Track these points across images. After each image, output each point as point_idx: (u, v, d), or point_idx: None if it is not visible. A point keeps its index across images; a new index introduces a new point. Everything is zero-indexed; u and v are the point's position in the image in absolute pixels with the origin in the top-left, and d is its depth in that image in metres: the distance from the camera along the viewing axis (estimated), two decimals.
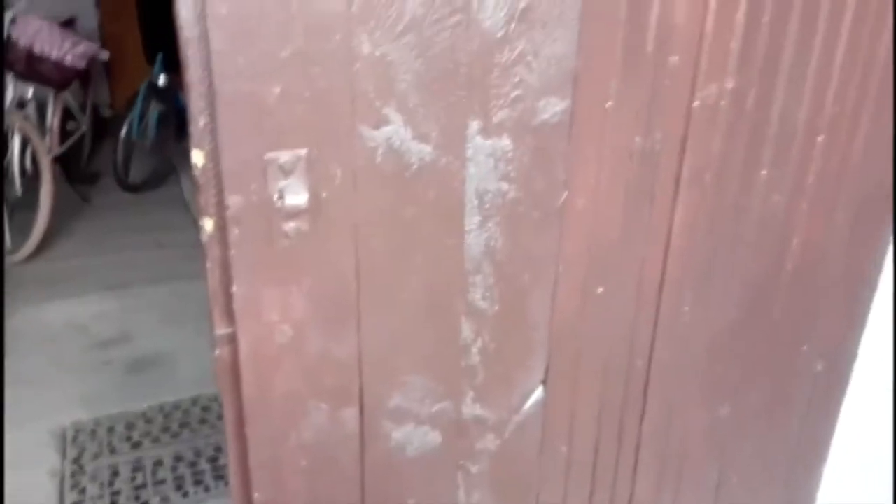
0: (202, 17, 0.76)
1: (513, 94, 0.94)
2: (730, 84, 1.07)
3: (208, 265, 0.87)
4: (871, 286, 1.47)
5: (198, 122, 0.81)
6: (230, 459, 1.00)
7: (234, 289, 0.86)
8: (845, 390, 1.57)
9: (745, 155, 1.15)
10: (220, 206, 0.84)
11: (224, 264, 0.87)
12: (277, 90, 0.80)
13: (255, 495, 0.98)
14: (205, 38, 0.77)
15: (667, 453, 1.38)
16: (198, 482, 2.11)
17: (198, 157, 0.82)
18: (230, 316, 0.89)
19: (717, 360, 1.34)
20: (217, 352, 0.91)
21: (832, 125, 1.21)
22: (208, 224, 0.86)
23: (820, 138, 1.21)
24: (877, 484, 1.55)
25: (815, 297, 1.40)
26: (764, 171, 1.18)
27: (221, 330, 0.90)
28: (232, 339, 0.90)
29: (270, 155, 0.82)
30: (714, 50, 1.03)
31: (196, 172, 0.83)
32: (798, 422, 1.55)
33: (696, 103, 1.06)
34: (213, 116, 0.80)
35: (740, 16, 1.03)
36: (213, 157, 0.82)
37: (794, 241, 1.30)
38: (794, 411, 1.53)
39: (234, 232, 0.84)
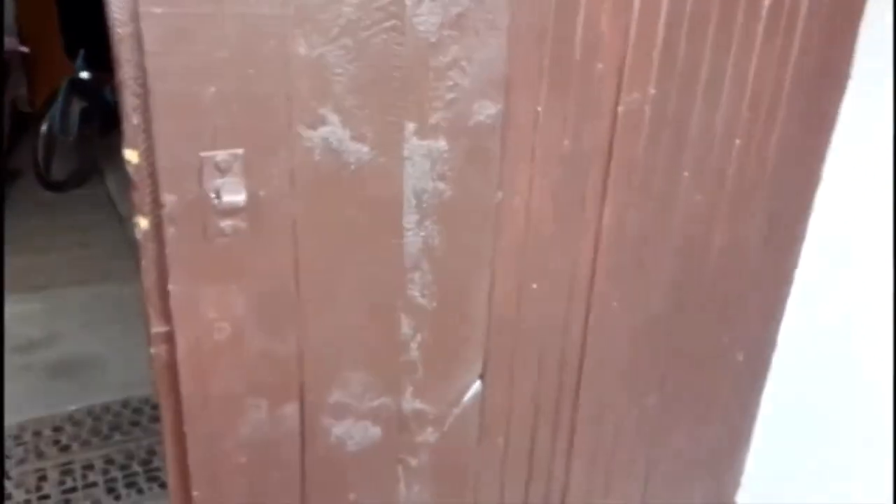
0: (135, 16, 0.75)
1: (447, 97, 0.96)
2: (652, 90, 1.12)
3: (143, 263, 0.86)
4: (788, 279, 1.57)
5: (131, 120, 0.80)
6: (168, 458, 0.99)
7: (171, 287, 0.86)
8: (765, 379, 1.67)
9: (667, 158, 1.21)
10: (156, 205, 0.84)
11: (160, 262, 0.86)
12: (213, 90, 0.81)
13: (195, 493, 0.98)
14: (138, 37, 0.76)
15: (599, 442, 1.44)
16: (130, 485, 2.07)
17: (131, 155, 0.81)
18: (166, 314, 0.88)
19: (645, 351, 1.40)
20: (153, 350, 0.91)
21: (748, 130, 1.28)
22: (143, 222, 0.85)
23: (737, 142, 1.29)
24: (798, 469, 1.65)
25: (735, 290, 1.48)
26: (686, 173, 1.25)
27: (158, 328, 0.90)
28: (169, 338, 0.90)
29: (206, 154, 0.82)
30: (637, 58, 1.08)
31: (130, 171, 0.83)
32: (721, 409, 1.64)
33: (621, 108, 1.11)
34: (146, 115, 0.80)
35: (661, 26, 1.08)
36: (148, 155, 0.82)
37: (715, 238, 1.37)
38: (718, 400, 1.61)
39: (169, 230, 0.84)
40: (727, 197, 1.34)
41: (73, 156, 4.20)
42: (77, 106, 4.10)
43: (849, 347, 1.50)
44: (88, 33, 4.18)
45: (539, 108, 1.05)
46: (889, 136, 1.34)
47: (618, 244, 1.23)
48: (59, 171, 4.17)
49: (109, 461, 2.15)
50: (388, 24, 0.88)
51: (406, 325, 1.08)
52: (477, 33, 0.95)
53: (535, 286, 1.19)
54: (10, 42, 3.57)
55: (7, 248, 3.42)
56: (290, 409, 1.01)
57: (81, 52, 4.10)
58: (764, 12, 1.19)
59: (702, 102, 1.20)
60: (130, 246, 3.46)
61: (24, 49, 3.75)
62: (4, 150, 4.24)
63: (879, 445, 1.47)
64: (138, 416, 2.34)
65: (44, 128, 4.02)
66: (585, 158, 1.13)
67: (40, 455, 2.16)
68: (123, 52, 0.78)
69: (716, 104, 1.23)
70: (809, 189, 1.48)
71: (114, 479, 2.08)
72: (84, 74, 4.06)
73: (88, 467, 2.12)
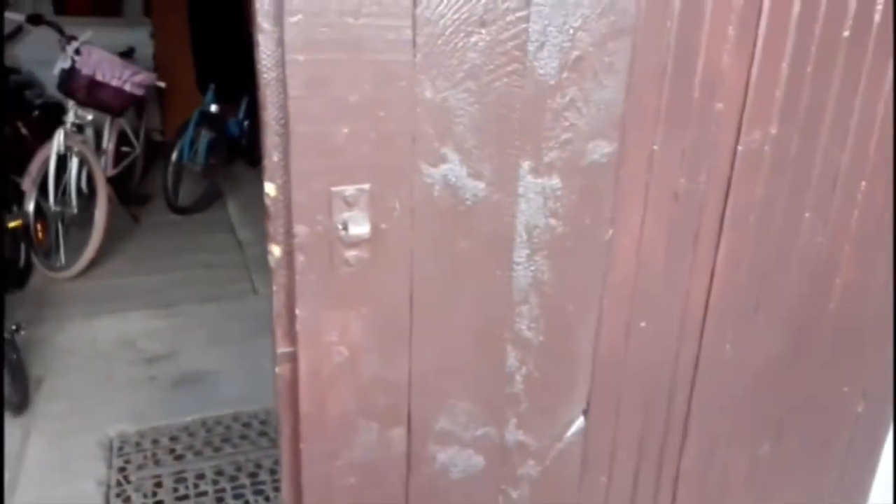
0: (281, 62, 0.83)
1: (563, 137, 0.99)
2: (773, 130, 1.10)
3: (275, 288, 0.93)
4: None
5: (272, 157, 0.88)
6: (284, 473, 1.05)
7: (298, 311, 0.92)
8: (887, 431, 1.57)
9: (788, 198, 1.18)
10: (288, 235, 0.91)
11: (289, 288, 0.93)
12: (346, 130, 0.87)
13: None
14: (282, 82, 0.83)
15: (706, 489, 1.39)
16: (238, 496, 2.17)
17: (270, 188, 0.89)
18: (292, 336, 0.95)
19: (759, 397, 1.36)
20: (278, 369, 0.97)
21: (874, 171, 1.23)
22: (276, 251, 0.92)
23: (863, 184, 1.24)
24: None
25: (856, 337, 1.41)
26: (807, 214, 1.21)
27: (283, 349, 0.96)
28: (293, 358, 0.96)
29: (336, 189, 0.88)
30: (759, 97, 1.07)
31: (268, 203, 0.90)
32: (839, 462, 1.55)
33: (741, 148, 1.10)
34: (285, 153, 0.87)
35: (784, 65, 1.07)
36: (284, 189, 0.89)
37: (836, 282, 1.32)
38: (835, 452, 1.53)
39: (299, 259, 0.90)
40: (851, 240, 1.28)
41: (198, 183, 4.52)
42: (205, 137, 4.42)
43: None
44: (218, 70, 4.53)
45: (655, 147, 1.06)
46: None
47: (732, 285, 1.21)
48: (185, 197, 4.49)
49: (219, 472, 2.26)
50: (510, 67, 0.92)
51: (512, 358, 1.10)
52: (595, 75, 0.97)
53: (643, 324, 1.18)
54: (149, 77, 3.91)
55: (136, 267, 3.71)
56: (398, 434, 1.04)
57: (211, 86, 4.43)
58: (894, 51, 1.15)
59: (826, 142, 1.17)
60: (247, 268, 3.67)
61: (162, 84, 4.09)
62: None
63: None
64: (247, 429, 2.45)
65: (174, 156, 4.35)
66: (701, 197, 1.12)
67: (157, 462, 2.30)
68: (269, 96, 0.86)
69: (841, 145, 1.19)
70: None
71: (222, 490, 2.19)
72: (213, 108, 4.38)
73: (200, 476, 2.24)
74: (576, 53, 0.95)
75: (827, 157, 1.17)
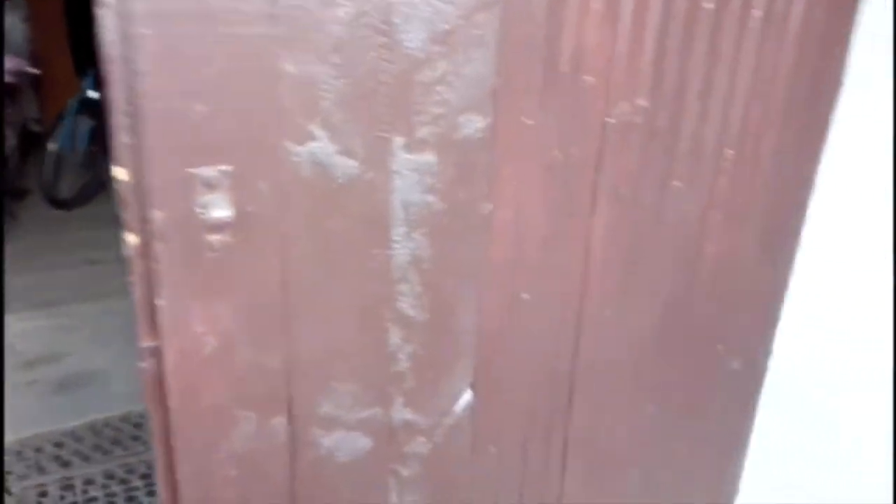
0: (126, 37, 0.77)
1: (435, 112, 0.98)
2: (642, 102, 1.13)
3: (132, 280, 0.88)
4: (783, 287, 1.57)
5: (121, 139, 0.82)
6: (158, 472, 1.00)
7: (158, 302, 0.87)
8: (761, 386, 1.67)
9: (658, 169, 1.22)
10: (145, 221, 0.85)
11: (149, 278, 0.88)
12: (201, 108, 0.82)
13: None
14: (128, 57, 0.78)
15: (594, 452, 1.44)
16: (130, 499, 2.07)
17: (121, 173, 0.83)
18: (155, 329, 0.90)
19: (640, 361, 1.41)
20: (142, 364, 0.92)
21: (740, 140, 1.29)
22: (132, 239, 0.87)
23: (729, 152, 1.29)
24: (795, 474, 1.64)
25: (729, 299, 1.48)
26: (677, 183, 1.26)
27: (147, 343, 0.91)
28: (157, 352, 0.91)
29: (194, 171, 0.84)
30: (626, 70, 1.10)
31: (119, 188, 0.84)
32: (718, 418, 1.63)
33: (611, 120, 1.12)
34: (136, 133, 0.82)
35: (649, 38, 1.10)
36: (137, 173, 0.83)
37: (708, 248, 1.38)
38: (715, 408, 1.61)
39: (158, 246, 0.86)
40: (720, 207, 1.34)
41: (80, 174, 4.25)
42: (85, 125, 4.15)
43: (846, 353, 1.50)
44: (97, 54, 4.24)
45: (528, 121, 1.07)
46: (885, 143, 1.35)
47: (610, 255, 1.24)
48: (66, 189, 4.22)
49: (110, 476, 2.16)
50: (376, 41, 0.90)
51: (395, 337, 1.09)
52: (464, 49, 0.97)
53: (525, 297, 1.20)
54: (20, 63, 3.63)
55: (14, 266, 3.46)
56: (279, 422, 1.01)
57: (90, 72, 4.16)
58: (754, 23, 1.20)
59: (693, 113, 1.21)
60: None
61: (35, 71, 3.80)
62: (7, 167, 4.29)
63: (877, 450, 1.46)
64: (139, 430, 2.35)
65: (52, 146, 4.07)
66: (574, 169, 1.14)
67: (41, 470, 2.17)
68: (114, 72, 0.80)
69: (707, 115, 1.24)
70: (804, 197, 1.48)
71: (113, 494, 2.09)
72: (92, 94, 4.11)
73: (89, 482, 2.13)
74: (444, 26, 0.94)
75: (694, 127, 1.21)
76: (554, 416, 1.33)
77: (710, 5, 1.15)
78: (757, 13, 1.19)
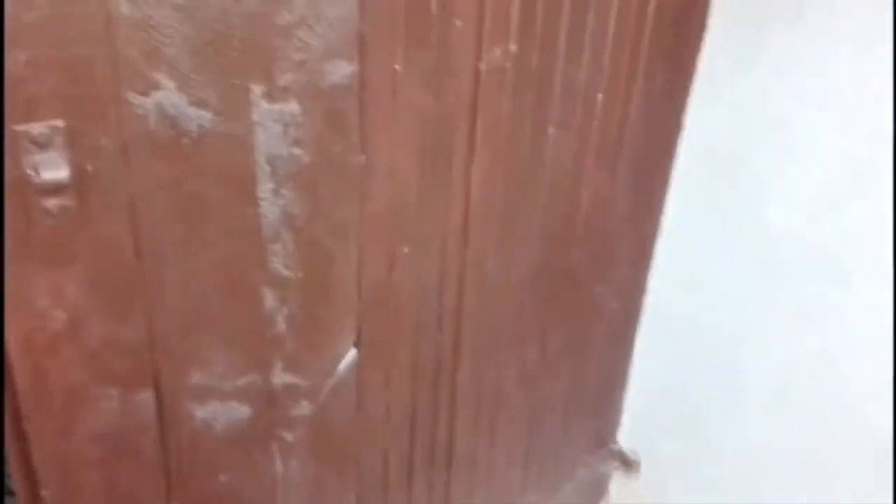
0: None
1: (297, 58, 0.91)
2: (513, 47, 1.11)
3: None
4: (655, 227, 1.63)
5: None
6: (11, 461, 0.91)
7: None
8: (637, 323, 1.75)
9: (532, 114, 1.21)
10: None
11: None
12: (23, 57, 0.72)
13: (44, 493, 0.91)
14: None
15: (481, 398, 1.46)
16: None
17: None
18: None
19: (522, 306, 1.43)
20: None
21: (609, 85, 1.30)
22: None
23: (599, 96, 1.30)
24: (672, 407, 1.75)
25: (605, 242, 1.52)
26: (552, 129, 1.26)
27: None
28: None
29: (20, 128, 0.74)
30: (496, 14, 1.06)
31: None
32: (599, 355, 1.70)
33: (483, 66, 1.09)
34: None
35: None
36: None
37: (583, 192, 1.40)
38: (595, 346, 1.67)
39: None
40: (593, 150, 1.36)
41: None
42: None
43: (713, 290, 1.59)
44: None
45: (397, 67, 1.02)
46: (751, 80, 1.39)
47: (488, 202, 1.23)
48: None
49: None
50: None
51: (270, 299, 1.04)
52: None
53: (406, 250, 1.17)
54: None
55: None
56: (145, 396, 0.95)
57: None
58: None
59: (563, 58, 1.21)
60: None
61: None
62: None
63: (742, 378, 1.57)
64: None
65: None
66: (449, 117, 1.11)
67: None
68: None
69: (577, 59, 1.23)
70: (672, 137, 1.53)
71: None
72: None
73: None
74: None
75: (565, 72, 1.21)
76: (440, 367, 1.33)
77: None
78: None
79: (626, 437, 1.88)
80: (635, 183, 1.50)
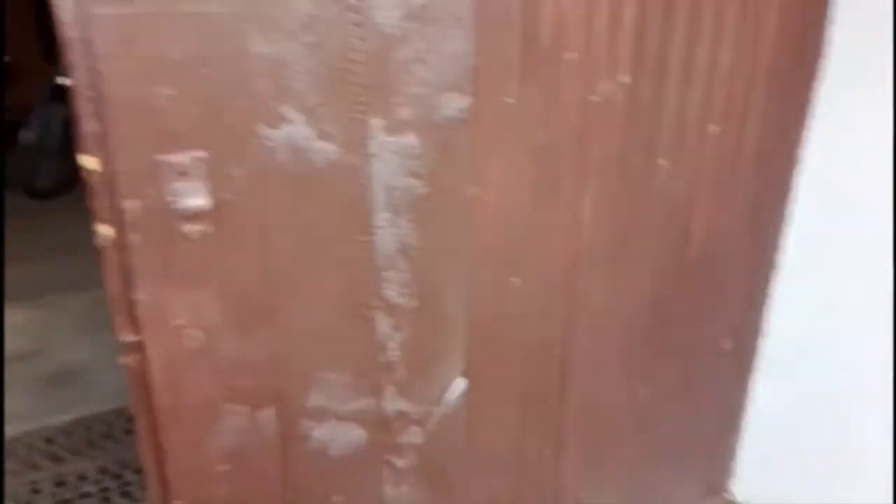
0: (84, 18, 0.74)
1: (413, 92, 0.94)
2: (624, 78, 1.10)
3: (106, 272, 0.85)
4: (772, 265, 1.55)
5: (87, 126, 0.79)
6: (146, 470, 0.98)
7: (137, 295, 0.84)
8: (753, 366, 1.66)
9: (643, 146, 1.19)
10: (117, 211, 0.82)
11: (124, 271, 0.85)
12: (168, 92, 0.79)
13: (175, 503, 0.97)
14: (88, 41, 0.74)
15: (589, 435, 1.42)
16: (124, 494, 2.05)
17: (89, 162, 0.80)
18: (135, 324, 0.87)
19: (632, 342, 1.39)
20: (123, 361, 0.89)
21: (723, 116, 1.27)
22: (105, 230, 0.83)
23: (712, 128, 1.27)
24: (789, 455, 1.64)
25: (718, 278, 1.46)
26: (662, 161, 1.23)
27: (127, 338, 0.88)
28: (139, 347, 0.88)
29: (164, 158, 0.81)
30: (607, 46, 1.06)
31: (88, 177, 0.81)
32: (711, 398, 1.62)
33: (594, 98, 1.09)
34: (102, 120, 0.78)
35: (630, 12, 1.06)
36: (106, 161, 0.80)
37: (695, 225, 1.36)
38: (707, 388, 1.60)
39: (133, 237, 0.82)
40: (706, 184, 1.32)
41: (57, 163, 4.17)
42: (59, 113, 4.06)
43: (836, 331, 1.49)
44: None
45: (510, 100, 1.04)
46: (872, 116, 1.32)
47: (597, 235, 1.22)
48: (43, 180, 4.14)
49: (103, 471, 2.13)
50: (347, 17, 0.87)
51: (384, 325, 1.06)
52: (440, 25, 0.93)
53: (515, 281, 1.17)
54: None
55: None
56: (268, 415, 0.99)
57: (60, 58, 4.07)
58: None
59: (675, 88, 1.18)
60: None
61: (5, 58, 3.73)
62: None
63: (869, 426, 1.45)
64: (131, 424, 2.32)
65: (26, 136, 3.99)
66: (559, 149, 1.11)
67: (34, 467, 2.14)
68: (75, 57, 0.76)
69: (690, 90, 1.21)
70: (790, 172, 1.46)
71: (107, 489, 2.07)
72: (63, 81, 4.03)
73: (82, 478, 2.10)
74: (418, 1, 0.90)
75: (676, 102, 1.19)
76: (548, 400, 1.31)
77: None
78: None
79: (740, 486, 1.78)
80: (751, 217, 1.44)
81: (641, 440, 1.53)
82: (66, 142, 4.11)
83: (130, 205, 0.81)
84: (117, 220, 0.83)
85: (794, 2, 1.23)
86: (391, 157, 0.97)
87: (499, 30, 0.97)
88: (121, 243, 0.84)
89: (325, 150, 0.91)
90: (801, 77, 1.35)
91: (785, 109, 1.36)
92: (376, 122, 0.93)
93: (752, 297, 1.55)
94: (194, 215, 0.84)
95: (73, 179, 4.24)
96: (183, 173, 0.82)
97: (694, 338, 1.48)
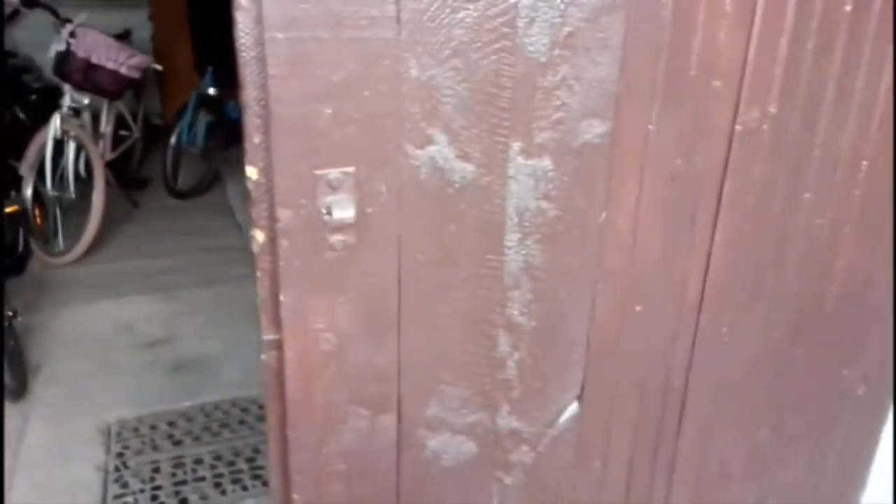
0: (260, 41, 0.80)
1: (554, 117, 0.96)
2: (772, 109, 1.07)
3: (258, 274, 0.91)
4: None
5: (253, 139, 0.85)
6: (271, 461, 1.03)
7: (283, 297, 0.90)
8: (887, 415, 1.55)
9: (787, 179, 1.15)
10: (271, 219, 0.88)
11: (273, 274, 0.91)
12: (329, 111, 0.84)
13: (295, 496, 1.02)
14: (262, 61, 0.81)
15: (702, 475, 1.38)
16: (236, 481, 2.17)
17: (252, 172, 0.86)
18: (277, 323, 0.93)
19: (757, 382, 1.33)
20: (264, 356, 0.95)
21: (876, 151, 1.20)
22: (259, 236, 0.90)
23: (864, 164, 1.21)
24: None
25: (857, 320, 1.38)
26: (807, 195, 1.18)
27: (269, 336, 0.94)
28: (278, 345, 0.94)
29: (320, 172, 0.86)
30: (757, 75, 1.04)
31: (249, 186, 0.87)
32: (838, 446, 1.53)
33: (739, 127, 1.07)
34: (267, 135, 0.84)
35: (784, 42, 1.04)
36: (266, 172, 0.86)
37: (836, 264, 1.29)
38: (835, 435, 1.51)
39: (283, 244, 0.88)
40: (852, 222, 1.26)
41: (198, 166, 4.50)
42: (203, 120, 4.38)
43: None
44: (217, 53, 4.49)
45: (651, 127, 1.03)
46: None
47: (730, 268, 1.18)
48: (184, 181, 4.47)
49: (217, 457, 2.26)
50: (498, 45, 0.89)
51: (504, 343, 1.08)
52: (588, 52, 0.94)
53: (638, 308, 1.16)
54: (146, 60, 3.88)
55: (134, 252, 3.69)
56: (388, 420, 1.03)
57: (209, 69, 4.39)
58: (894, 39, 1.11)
59: (827, 121, 1.14)
60: (247, 251, 3.65)
61: (158, 66, 4.06)
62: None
63: None
64: (246, 415, 2.45)
65: (173, 140, 4.32)
66: (698, 178, 1.09)
67: (155, 447, 2.30)
68: (248, 75, 0.83)
69: (842, 124, 1.16)
70: None
71: (221, 475, 2.19)
72: (211, 91, 4.34)
73: (198, 462, 2.24)
74: (567, 29, 0.92)
75: (827, 136, 1.14)
76: (662, 432, 1.28)
77: (848, 7, 1.07)
78: None
79: None
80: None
81: (757, 485, 1.47)
82: (208, 148, 4.42)
83: (284, 214, 0.87)
84: (271, 227, 0.89)
85: None
86: (526, 179, 0.99)
87: (646, 58, 0.97)
88: (272, 248, 0.90)
89: (465, 170, 0.94)
90: None
91: None
92: (516, 146, 0.95)
93: (892, 342, 1.45)
94: (340, 226, 0.89)
95: (210, 182, 4.55)
96: (334, 187, 0.87)
97: (824, 382, 1.41)
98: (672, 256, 1.13)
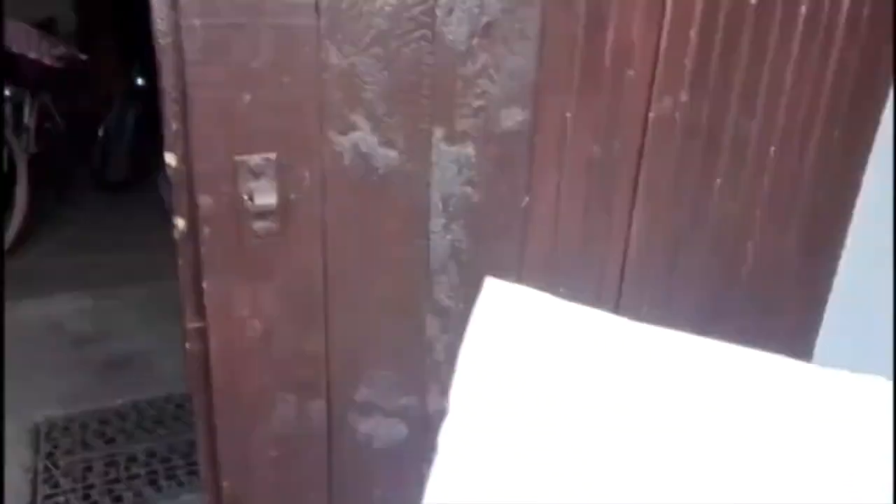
0: (176, 27, 0.80)
1: (476, 104, 0.98)
2: (684, 97, 1.12)
3: (180, 262, 0.91)
4: (826, 290, 1.54)
5: (171, 126, 0.85)
6: (200, 451, 1.03)
7: (205, 285, 0.90)
8: None
9: (700, 164, 1.21)
10: (192, 206, 0.88)
11: (195, 261, 0.91)
12: (248, 97, 0.84)
13: (225, 484, 1.02)
14: (178, 47, 0.80)
15: None
16: (171, 477, 2.13)
17: (171, 159, 0.86)
18: (201, 311, 0.92)
19: None
20: (188, 345, 0.95)
21: (784, 138, 1.27)
22: (180, 223, 0.89)
23: (772, 149, 1.27)
24: None
25: (772, 300, 1.46)
26: (719, 180, 1.24)
27: (193, 324, 0.94)
28: (202, 334, 0.94)
29: (241, 158, 0.86)
30: (669, 65, 1.09)
31: (169, 173, 0.87)
32: None
33: (652, 115, 1.11)
34: (185, 121, 0.84)
35: (693, 33, 1.08)
36: (186, 159, 0.86)
37: (748, 245, 1.36)
38: None
39: (204, 230, 0.88)
40: (762, 205, 1.32)
41: (127, 159, 4.36)
42: (133, 112, 4.25)
43: (888, 359, 1.47)
44: (144, 43, 4.35)
45: (568, 115, 1.07)
46: None
47: (647, 252, 1.23)
48: (114, 174, 4.33)
49: (152, 454, 2.22)
50: (418, 33, 0.91)
51: (432, 327, 1.10)
52: (506, 42, 0.97)
53: (562, 290, 1.19)
54: (70, 50, 3.74)
55: (62, 248, 3.57)
56: (318, 406, 1.04)
57: (137, 60, 4.26)
58: (801, 19, 1.18)
59: (736, 109, 1.20)
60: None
61: (83, 56, 3.92)
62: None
63: None
64: (181, 411, 2.41)
65: (101, 132, 4.18)
66: (615, 164, 1.14)
67: (87, 446, 2.24)
68: (165, 62, 0.82)
69: (751, 111, 1.22)
70: (849, 196, 1.45)
71: (155, 472, 2.15)
72: (140, 81, 4.21)
73: (132, 459, 2.20)
74: (486, 19, 0.94)
75: (737, 123, 1.20)
76: None
77: (753, 1, 1.13)
78: (803, 10, 1.17)
79: None
80: (807, 242, 1.43)
81: None
82: (137, 140, 4.29)
83: (205, 200, 0.87)
84: (192, 215, 0.89)
85: (862, 28, 1.23)
86: (450, 165, 1.01)
87: (562, 48, 1.00)
88: (193, 236, 0.90)
89: (388, 156, 0.96)
90: (866, 101, 1.34)
91: (847, 132, 1.35)
92: (438, 133, 0.97)
93: (806, 319, 1.54)
94: (262, 213, 0.89)
95: (140, 175, 4.42)
96: (256, 173, 0.87)
97: None
98: (592, 239, 1.18)
